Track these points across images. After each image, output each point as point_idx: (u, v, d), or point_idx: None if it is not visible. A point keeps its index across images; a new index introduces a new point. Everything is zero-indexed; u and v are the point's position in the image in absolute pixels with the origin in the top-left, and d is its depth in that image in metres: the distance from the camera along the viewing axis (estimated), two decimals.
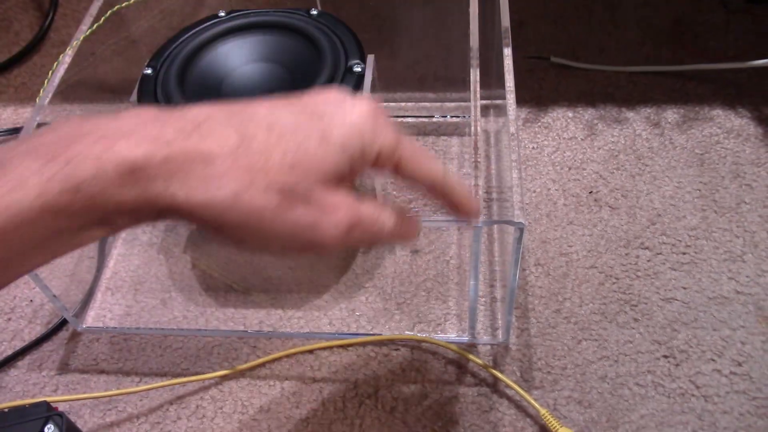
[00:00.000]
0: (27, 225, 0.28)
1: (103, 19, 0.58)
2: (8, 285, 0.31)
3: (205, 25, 0.61)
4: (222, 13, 0.62)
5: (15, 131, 0.80)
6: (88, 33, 0.61)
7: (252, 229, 0.31)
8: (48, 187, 0.28)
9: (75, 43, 0.61)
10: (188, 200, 0.30)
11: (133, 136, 0.29)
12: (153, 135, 0.29)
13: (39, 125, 0.57)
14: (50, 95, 0.58)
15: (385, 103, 0.78)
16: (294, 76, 0.57)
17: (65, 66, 0.60)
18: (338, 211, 0.33)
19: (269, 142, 0.31)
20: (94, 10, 0.64)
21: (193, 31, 0.61)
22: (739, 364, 0.57)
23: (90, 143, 0.28)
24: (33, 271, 0.31)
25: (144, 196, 0.29)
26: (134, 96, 0.58)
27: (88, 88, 0.66)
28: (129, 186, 0.29)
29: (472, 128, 0.53)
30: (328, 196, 0.33)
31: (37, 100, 0.58)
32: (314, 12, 0.61)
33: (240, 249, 0.53)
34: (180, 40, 0.60)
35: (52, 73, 0.59)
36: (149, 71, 0.58)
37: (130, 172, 0.29)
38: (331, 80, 0.55)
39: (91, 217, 0.29)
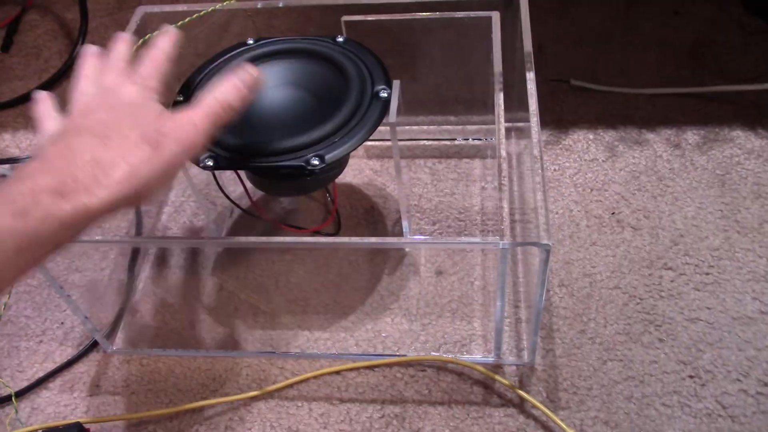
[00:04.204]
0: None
1: (135, 48, 0.59)
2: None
3: (235, 52, 0.62)
4: (250, 41, 0.63)
5: None
6: None
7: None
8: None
9: None
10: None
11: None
12: None
13: None
14: None
15: (407, 126, 0.79)
16: (322, 101, 0.58)
17: None
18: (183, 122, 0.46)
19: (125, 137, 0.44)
20: None
21: (223, 58, 0.62)
22: (765, 384, 0.58)
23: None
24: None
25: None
26: None
27: None
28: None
29: (498, 151, 0.54)
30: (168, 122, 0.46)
31: None
32: (340, 39, 0.62)
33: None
34: (210, 67, 0.61)
35: None
36: (180, 98, 0.59)
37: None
38: (358, 106, 0.56)
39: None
